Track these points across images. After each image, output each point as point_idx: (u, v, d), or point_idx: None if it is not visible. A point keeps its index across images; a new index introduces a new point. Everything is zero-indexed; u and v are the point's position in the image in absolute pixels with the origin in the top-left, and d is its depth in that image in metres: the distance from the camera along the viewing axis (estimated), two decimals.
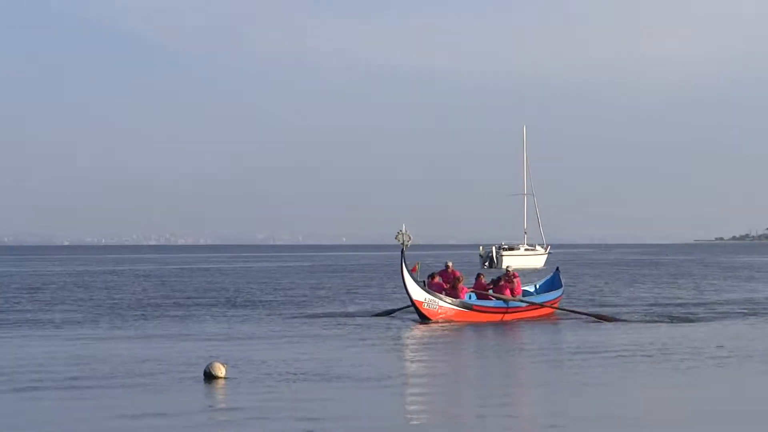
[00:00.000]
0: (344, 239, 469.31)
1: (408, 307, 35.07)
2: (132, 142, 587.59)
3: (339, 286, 59.88)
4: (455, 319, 33.96)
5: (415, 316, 34.33)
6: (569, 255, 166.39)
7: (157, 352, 25.23)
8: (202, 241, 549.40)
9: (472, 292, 35.48)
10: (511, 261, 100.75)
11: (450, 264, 36.31)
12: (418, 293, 34.09)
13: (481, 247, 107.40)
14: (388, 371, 22.14)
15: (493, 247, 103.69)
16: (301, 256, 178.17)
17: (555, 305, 37.39)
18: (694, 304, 43.21)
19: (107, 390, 19.23)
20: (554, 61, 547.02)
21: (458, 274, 35.50)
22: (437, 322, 33.50)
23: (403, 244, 35.80)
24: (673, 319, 35.23)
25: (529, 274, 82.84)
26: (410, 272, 34.18)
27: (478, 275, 36.85)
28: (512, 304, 35.53)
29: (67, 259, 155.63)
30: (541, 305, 36.57)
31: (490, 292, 35.57)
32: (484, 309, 34.94)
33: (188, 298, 48.71)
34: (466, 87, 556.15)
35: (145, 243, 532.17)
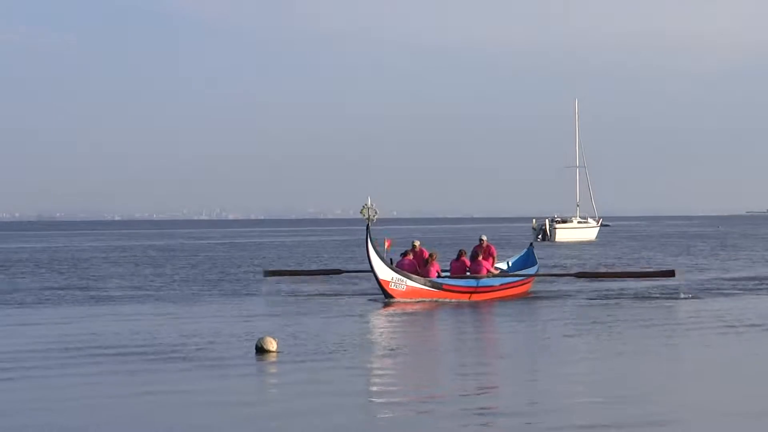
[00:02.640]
0: (395, 212, 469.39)
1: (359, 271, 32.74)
2: (181, 120, 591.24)
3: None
4: (422, 298, 32.01)
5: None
6: (620, 228, 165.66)
7: (207, 327, 25.16)
8: (252, 216, 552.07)
9: (447, 272, 33.44)
10: (563, 234, 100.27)
11: (417, 243, 34.08)
12: (384, 272, 31.99)
13: (534, 220, 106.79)
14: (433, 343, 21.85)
15: (546, 220, 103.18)
16: (349, 230, 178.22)
17: (529, 283, 35.32)
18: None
19: (163, 364, 19.19)
20: (607, 35, 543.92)
21: (427, 253, 33.42)
22: (404, 301, 31.59)
23: (368, 218, 32.65)
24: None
25: (580, 246, 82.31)
26: (381, 249, 32.14)
27: (460, 252, 34.49)
28: (483, 282, 33.32)
29: (117, 234, 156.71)
30: (515, 284, 34.32)
31: (468, 273, 33.34)
32: (453, 288, 32.88)
33: (230, 273, 48.65)
34: (518, 62, 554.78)
35: (195, 218, 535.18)
